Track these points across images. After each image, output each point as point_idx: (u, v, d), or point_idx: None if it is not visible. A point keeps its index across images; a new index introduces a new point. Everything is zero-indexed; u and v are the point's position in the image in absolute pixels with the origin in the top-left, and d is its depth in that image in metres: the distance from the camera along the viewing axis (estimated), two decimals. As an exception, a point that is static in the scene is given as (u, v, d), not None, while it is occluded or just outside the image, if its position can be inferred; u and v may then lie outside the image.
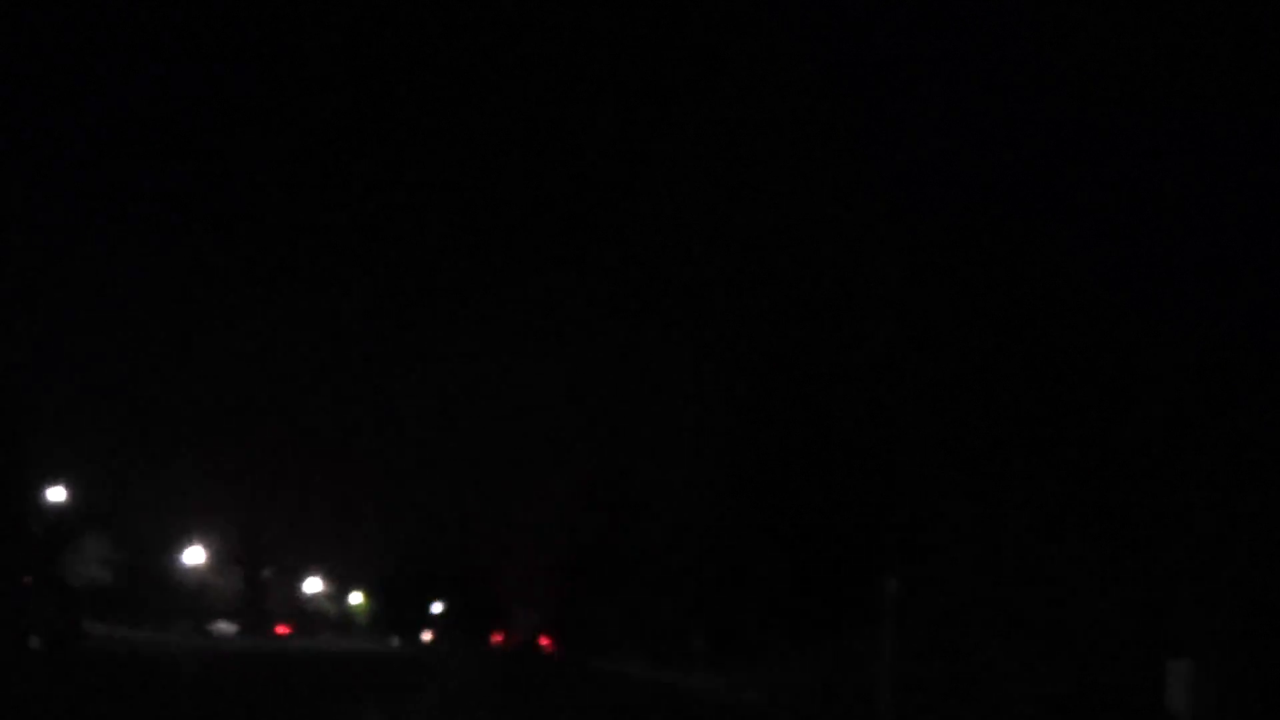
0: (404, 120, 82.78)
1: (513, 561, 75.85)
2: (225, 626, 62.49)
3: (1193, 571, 11.29)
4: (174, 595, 59.81)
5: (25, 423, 51.75)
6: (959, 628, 14.70)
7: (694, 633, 29.75)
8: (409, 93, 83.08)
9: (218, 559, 64.11)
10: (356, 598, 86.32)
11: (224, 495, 73.10)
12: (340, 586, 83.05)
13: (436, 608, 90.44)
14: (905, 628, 14.98)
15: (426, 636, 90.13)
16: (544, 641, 75.67)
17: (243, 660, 28.73)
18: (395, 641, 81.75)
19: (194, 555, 61.64)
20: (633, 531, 43.72)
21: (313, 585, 77.95)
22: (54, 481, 50.67)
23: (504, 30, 73.72)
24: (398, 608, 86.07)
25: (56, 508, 50.87)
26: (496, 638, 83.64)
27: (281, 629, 75.40)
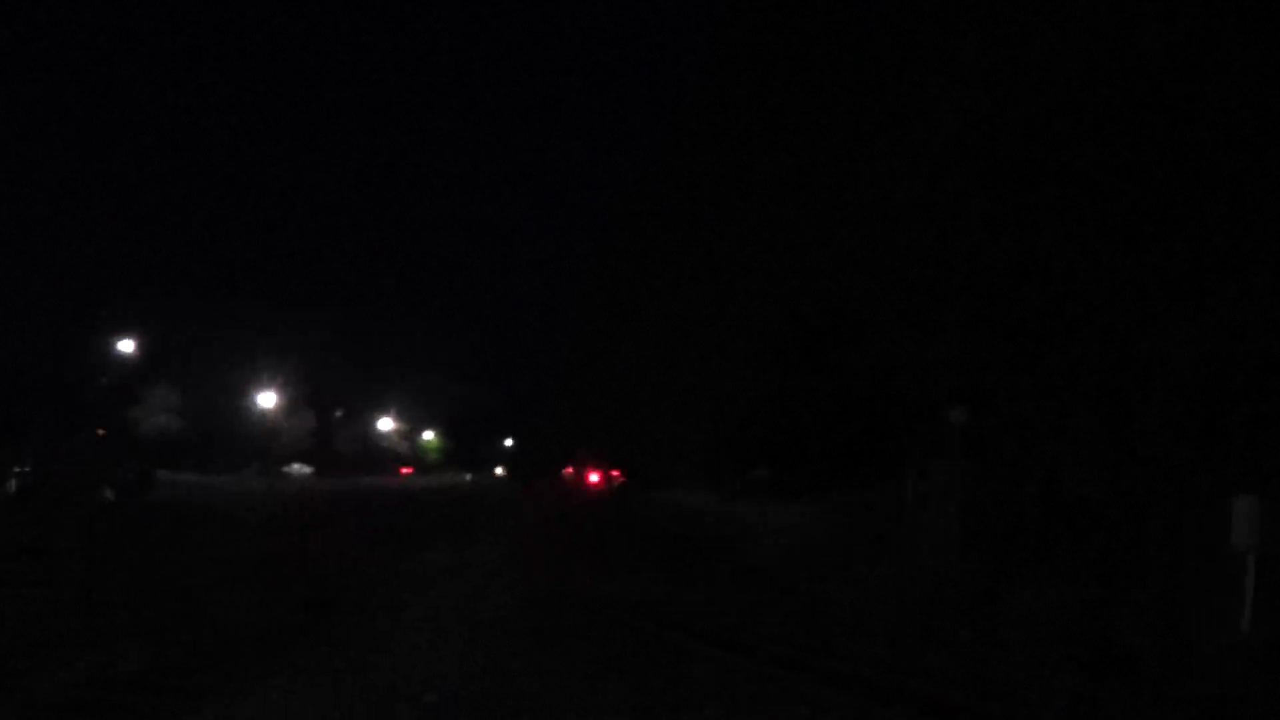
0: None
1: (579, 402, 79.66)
2: (299, 468, 69.97)
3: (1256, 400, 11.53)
4: (245, 440, 67.23)
5: (96, 276, 57.07)
6: (1026, 463, 15.09)
7: (758, 464, 31.94)
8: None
9: (289, 402, 70.78)
10: (428, 435, 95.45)
11: (294, 342, 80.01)
12: (413, 426, 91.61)
13: (508, 442, 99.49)
14: (974, 461, 15.42)
15: (499, 471, 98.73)
16: (614, 474, 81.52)
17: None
18: (468, 477, 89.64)
19: (265, 399, 68.45)
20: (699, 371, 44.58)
21: (384, 424, 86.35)
22: (124, 333, 55.34)
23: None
24: (470, 445, 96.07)
25: (126, 359, 55.57)
26: (567, 471, 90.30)
27: (405, 470, 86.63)
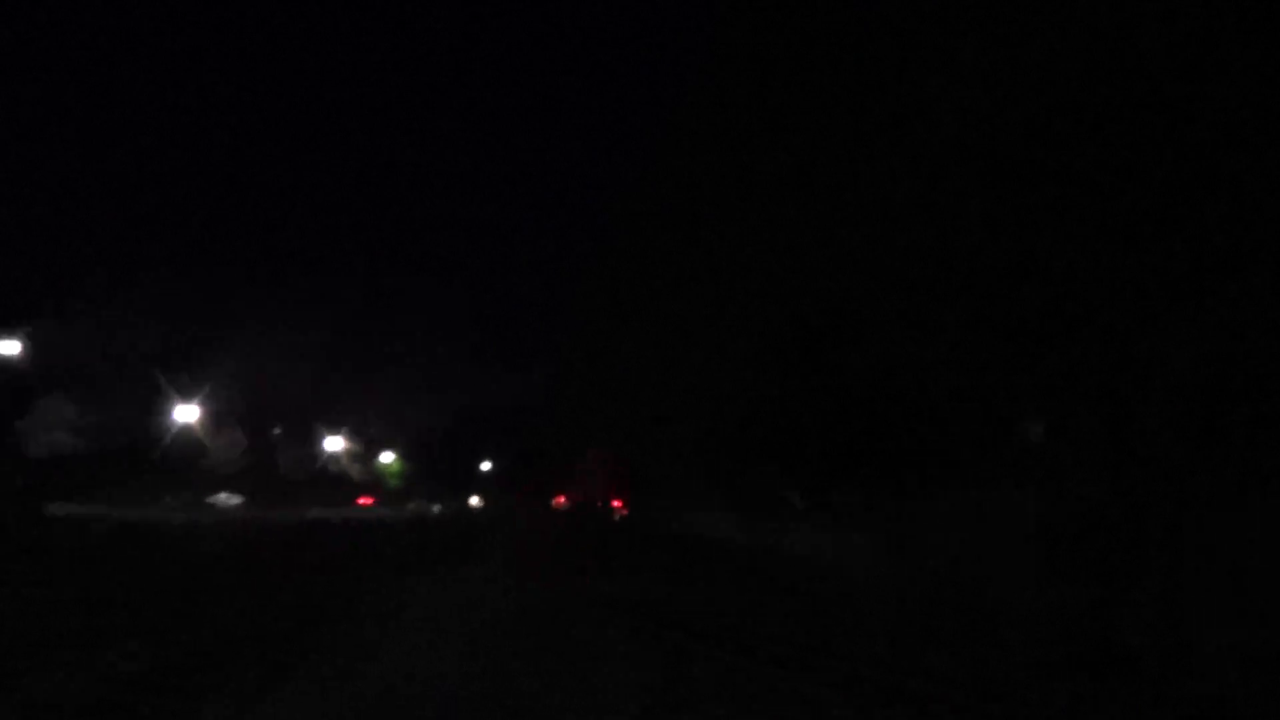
0: None
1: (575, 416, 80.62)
2: (227, 498, 65.33)
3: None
4: (160, 464, 59.62)
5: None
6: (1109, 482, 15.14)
7: (790, 489, 30.81)
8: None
9: (215, 416, 63.66)
10: (388, 457, 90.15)
11: (222, 342, 77.50)
12: (368, 446, 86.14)
13: (485, 466, 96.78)
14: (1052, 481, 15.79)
15: (474, 501, 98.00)
16: (614, 504, 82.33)
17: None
18: (435, 508, 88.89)
19: (185, 413, 61.04)
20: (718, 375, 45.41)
21: (333, 444, 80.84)
22: (4, 332, 49.41)
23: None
24: (438, 468, 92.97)
25: (8, 363, 49.83)
26: (558, 500, 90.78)
27: (365, 499, 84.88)
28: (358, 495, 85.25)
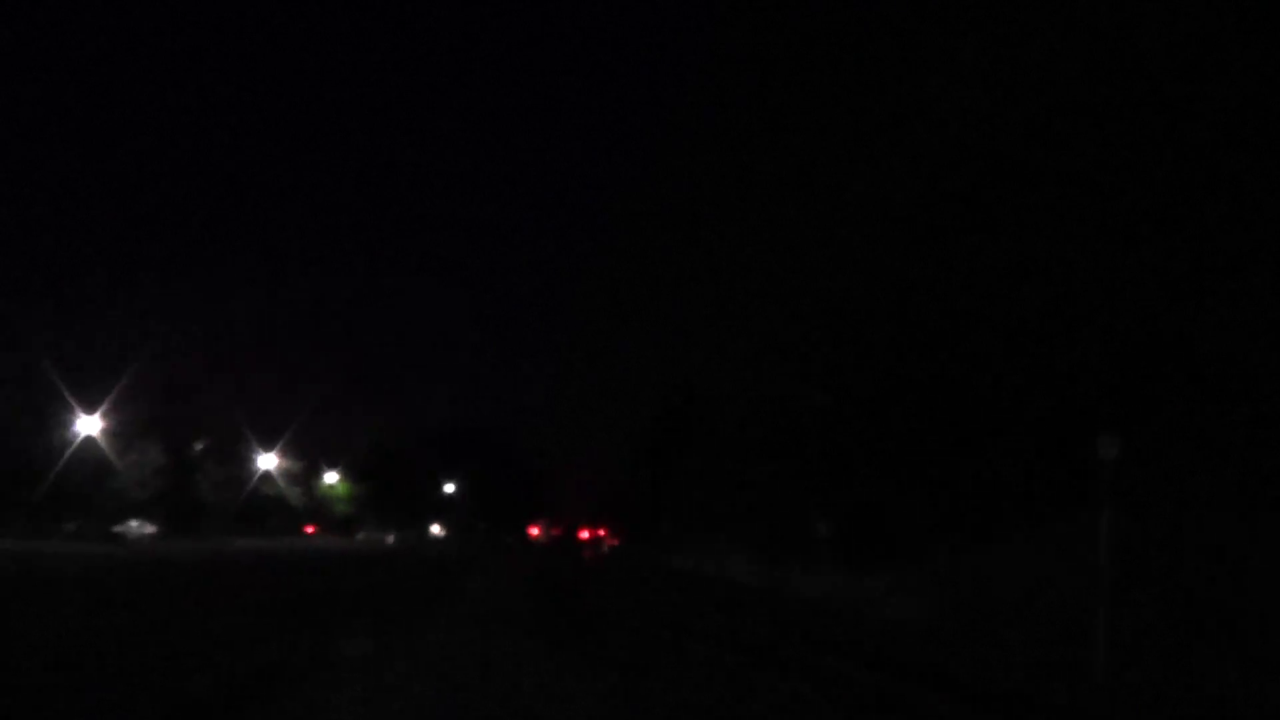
0: None
1: (557, 429, 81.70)
2: (138, 526, 63.10)
3: None
4: (61, 486, 58.54)
5: None
6: (1198, 507, 15.64)
7: (816, 517, 30.83)
8: None
9: (126, 430, 62.80)
10: (332, 478, 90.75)
11: (134, 342, 75.93)
12: (309, 465, 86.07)
13: (448, 489, 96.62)
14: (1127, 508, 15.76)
15: (435, 530, 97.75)
16: (600, 533, 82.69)
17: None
18: (390, 538, 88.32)
19: (88, 425, 59.74)
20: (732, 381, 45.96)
21: (267, 462, 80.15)
22: None
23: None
24: (392, 491, 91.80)
25: None
26: (533, 530, 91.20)
27: (309, 528, 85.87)
28: (305, 523, 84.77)
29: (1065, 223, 19.87)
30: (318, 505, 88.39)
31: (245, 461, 78.94)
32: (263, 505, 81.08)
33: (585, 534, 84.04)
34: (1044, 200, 19.71)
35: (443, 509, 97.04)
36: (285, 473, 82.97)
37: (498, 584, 32.69)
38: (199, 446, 74.77)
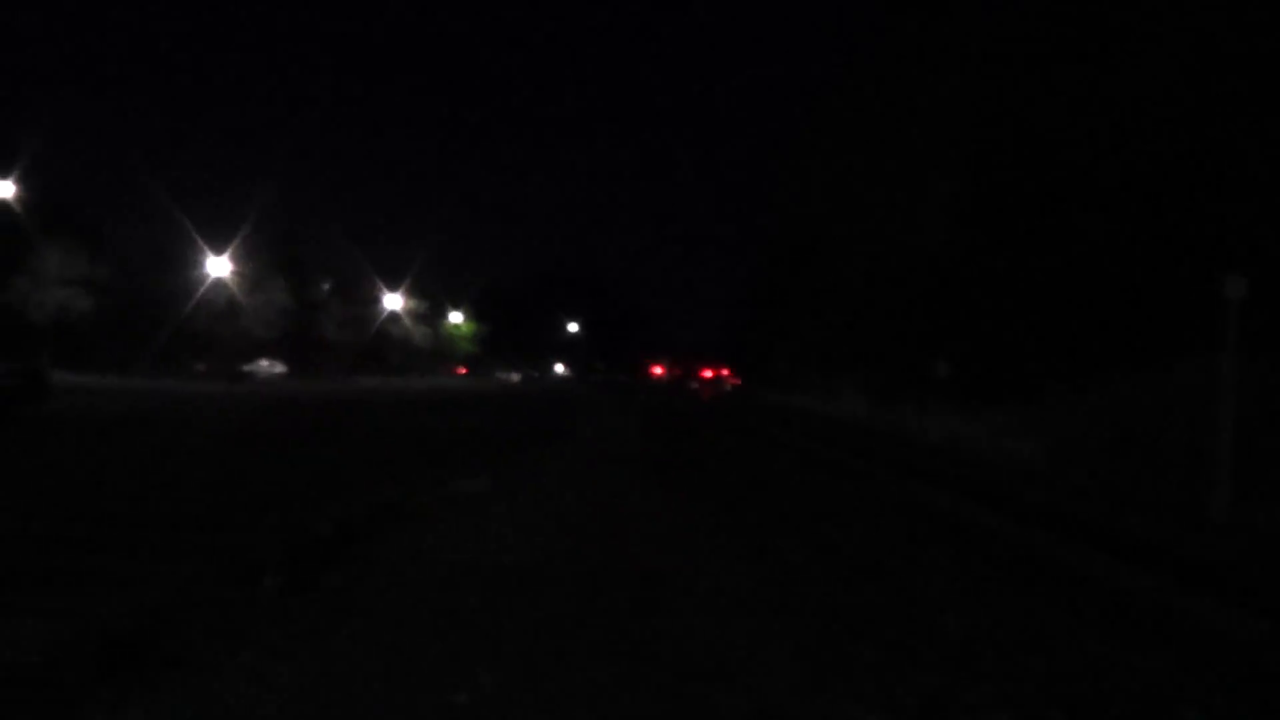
0: None
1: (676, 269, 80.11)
2: (267, 366, 63.88)
3: None
4: (189, 327, 59.10)
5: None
6: None
7: (936, 357, 30.70)
8: None
9: (253, 270, 62.20)
10: (457, 318, 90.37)
11: (255, 184, 75.43)
12: (433, 305, 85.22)
13: (572, 328, 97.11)
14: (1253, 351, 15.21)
15: (559, 369, 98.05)
16: (723, 372, 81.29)
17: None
18: (515, 377, 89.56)
19: (218, 267, 59.80)
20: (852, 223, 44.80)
21: (393, 302, 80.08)
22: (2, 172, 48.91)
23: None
24: (515, 331, 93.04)
25: (4, 208, 49.45)
26: (655, 369, 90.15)
27: (460, 369, 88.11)
28: (418, 362, 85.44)
29: (1198, 54, 19.24)
30: (443, 345, 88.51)
31: (370, 302, 79.19)
32: (388, 344, 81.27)
33: (708, 373, 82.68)
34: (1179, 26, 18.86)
35: (565, 349, 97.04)
36: (410, 312, 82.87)
37: (617, 423, 31.71)
38: (325, 287, 75.40)
